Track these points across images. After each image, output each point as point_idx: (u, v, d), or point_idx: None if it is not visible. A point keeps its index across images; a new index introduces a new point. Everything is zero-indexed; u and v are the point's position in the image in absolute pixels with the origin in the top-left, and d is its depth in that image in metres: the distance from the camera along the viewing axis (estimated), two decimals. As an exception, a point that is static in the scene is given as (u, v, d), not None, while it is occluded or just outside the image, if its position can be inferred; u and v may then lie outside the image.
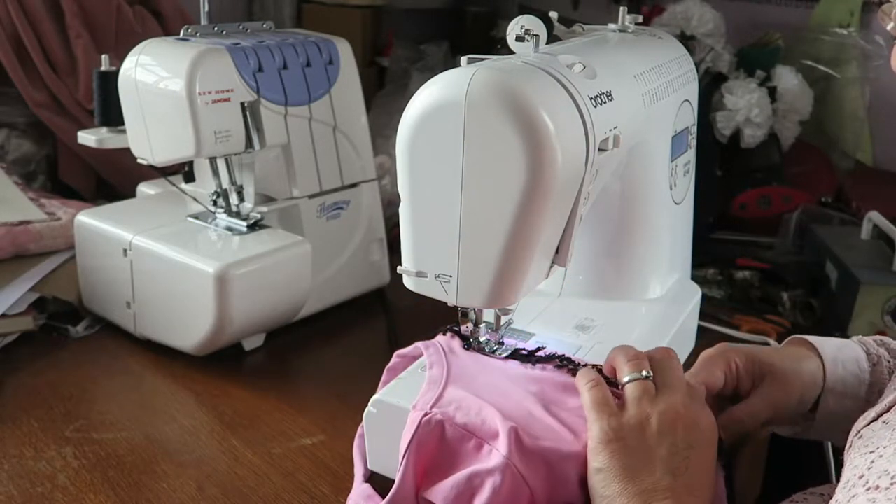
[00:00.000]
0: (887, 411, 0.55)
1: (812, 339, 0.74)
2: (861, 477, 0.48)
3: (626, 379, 0.62)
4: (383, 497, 0.63)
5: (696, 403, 0.61)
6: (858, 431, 0.56)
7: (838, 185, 1.50)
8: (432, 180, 0.62)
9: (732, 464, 0.64)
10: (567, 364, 0.69)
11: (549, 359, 0.70)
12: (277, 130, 1.02)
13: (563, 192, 0.62)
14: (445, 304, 0.66)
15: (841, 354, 0.72)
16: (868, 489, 0.46)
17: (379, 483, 0.68)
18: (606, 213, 0.83)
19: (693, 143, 0.93)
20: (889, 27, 0.53)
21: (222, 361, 0.97)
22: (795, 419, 0.74)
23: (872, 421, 0.56)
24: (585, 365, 0.68)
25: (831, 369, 0.71)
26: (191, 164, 1.08)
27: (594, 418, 0.60)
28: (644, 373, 0.62)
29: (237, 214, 1.04)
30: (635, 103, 0.74)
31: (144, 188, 1.20)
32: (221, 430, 0.85)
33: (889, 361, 0.72)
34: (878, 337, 0.76)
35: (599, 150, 0.65)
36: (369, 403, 0.67)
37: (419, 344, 0.72)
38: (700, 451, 0.58)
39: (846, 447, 0.57)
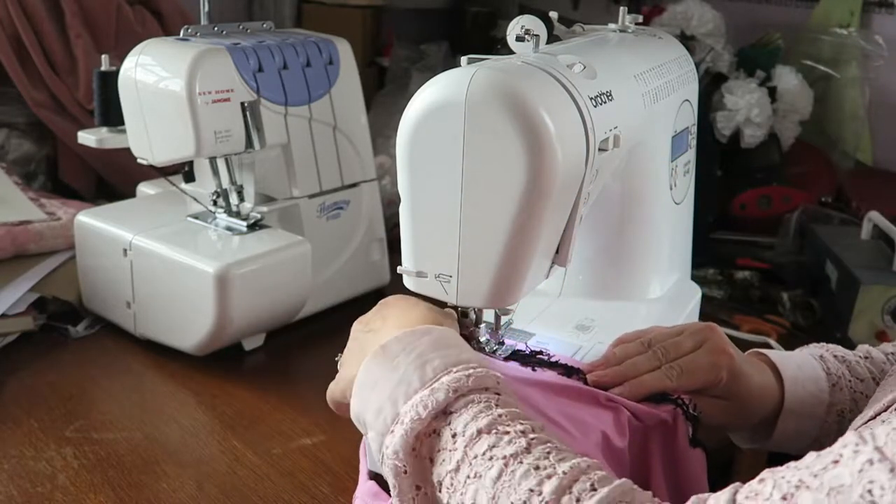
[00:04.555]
0: (885, 410, 0.55)
1: (773, 355, 0.72)
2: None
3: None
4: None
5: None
6: (856, 430, 0.56)
7: (838, 185, 1.50)
8: (432, 180, 0.62)
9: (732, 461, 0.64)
10: (573, 373, 0.69)
11: (552, 365, 0.70)
12: (277, 130, 1.02)
13: (563, 192, 0.62)
14: (445, 304, 0.67)
15: (801, 374, 0.70)
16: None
17: (381, 483, 0.68)
18: (606, 213, 0.83)
19: (693, 143, 0.93)
20: None
21: (222, 361, 0.97)
22: (751, 434, 0.74)
23: (871, 419, 0.56)
24: (587, 373, 0.69)
25: (791, 390, 0.69)
26: (191, 164, 1.08)
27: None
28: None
29: (237, 214, 1.04)
30: (635, 103, 0.74)
31: (144, 188, 1.20)
32: (221, 430, 0.85)
33: (850, 381, 0.70)
34: (840, 351, 0.73)
35: (599, 150, 0.65)
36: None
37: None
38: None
39: None
